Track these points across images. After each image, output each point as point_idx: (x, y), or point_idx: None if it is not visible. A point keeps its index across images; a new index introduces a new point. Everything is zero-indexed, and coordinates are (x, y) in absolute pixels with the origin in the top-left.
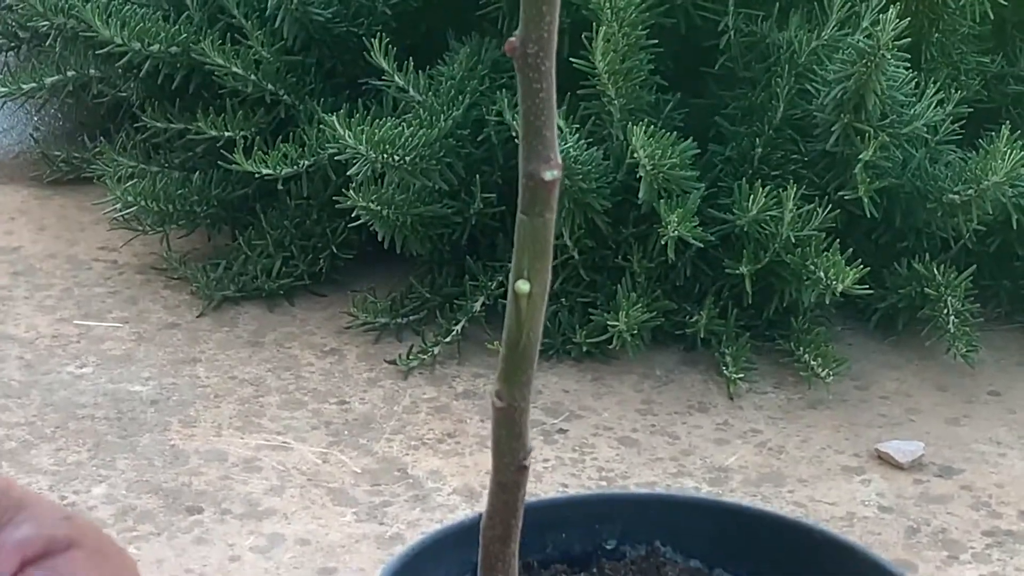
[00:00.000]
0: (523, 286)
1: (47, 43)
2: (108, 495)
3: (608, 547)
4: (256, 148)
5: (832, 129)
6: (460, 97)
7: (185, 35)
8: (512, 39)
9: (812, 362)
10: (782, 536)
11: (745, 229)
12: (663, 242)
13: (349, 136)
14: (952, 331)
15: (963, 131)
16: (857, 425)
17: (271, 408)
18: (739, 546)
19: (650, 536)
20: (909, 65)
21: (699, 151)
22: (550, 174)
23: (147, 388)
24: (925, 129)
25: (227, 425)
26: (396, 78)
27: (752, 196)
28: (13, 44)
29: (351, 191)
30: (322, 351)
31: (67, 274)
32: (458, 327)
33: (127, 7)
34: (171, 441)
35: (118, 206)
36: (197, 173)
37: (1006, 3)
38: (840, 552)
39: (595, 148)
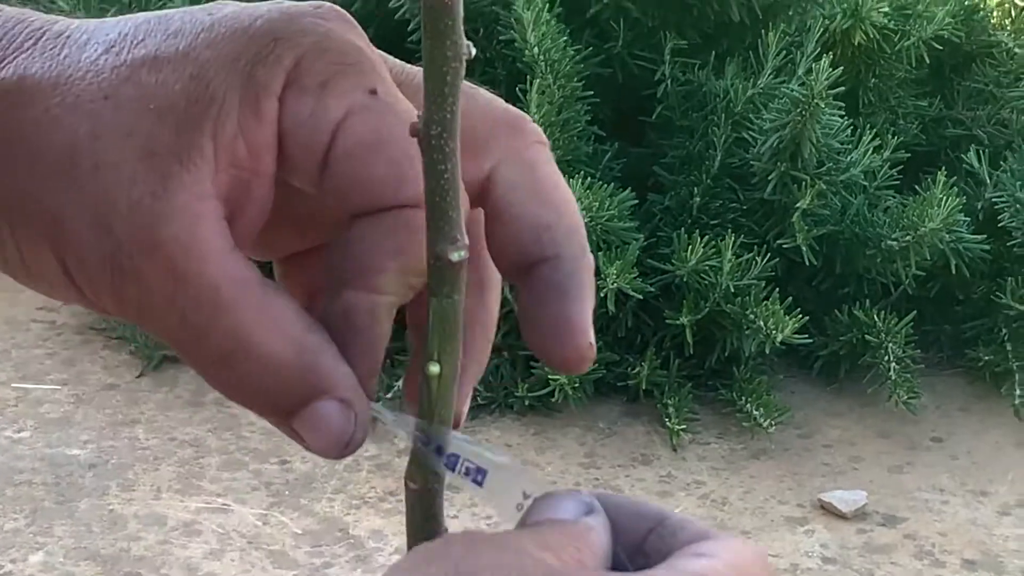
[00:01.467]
0: (433, 368)
1: None
2: (46, 563)
3: None
4: None
5: (769, 178)
6: None
7: None
8: (415, 120)
9: (754, 412)
10: None
11: (685, 279)
12: (603, 294)
13: None
14: (893, 378)
15: (901, 176)
16: (800, 475)
17: (211, 469)
18: None
19: None
20: (845, 112)
21: (638, 201)
22: (457, 255)
23: (86, 452)
24: (863, 176)
25: (166, 488)
26: None
27: (691, 246)
28: None
29: None
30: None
31: (5, 336)
32: (399, 383)
33: None
34: (110, 506)
35: None
36: None
37: (942, 47)
38: None
39: None
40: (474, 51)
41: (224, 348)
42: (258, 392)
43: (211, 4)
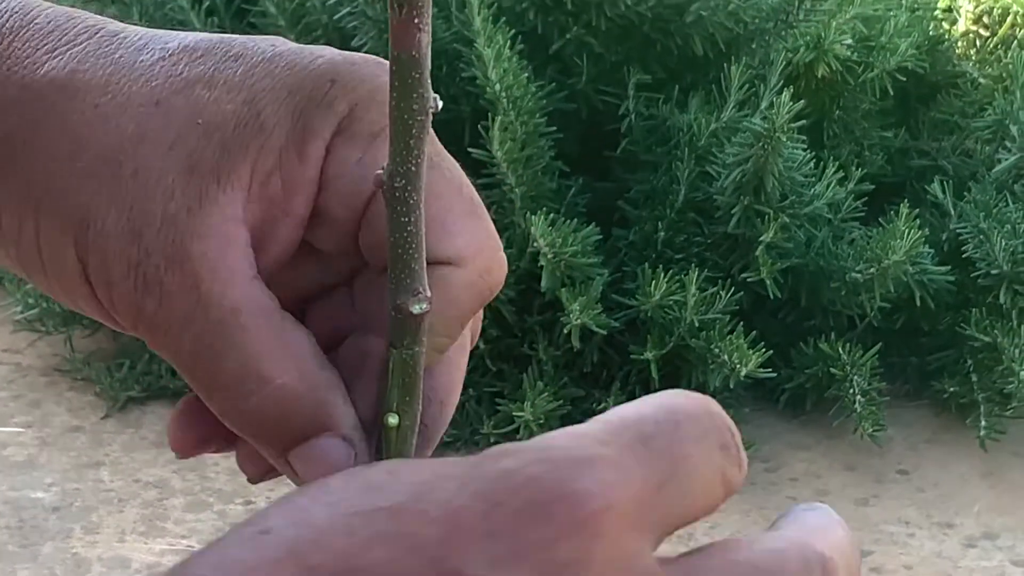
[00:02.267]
0: (392, 419)
1: None
2: None
3: None
4: None
5: (733, 211)
6: None
7: None
8: (379, 172)
9: None
10: None
11: (649, 314)
12: (567, 330)
13: None
14: (859, 410)
15: (867, 207)
16: (766, 509)
17: (176, 511)
18: None
19: None
20: (810, 144)
21: (602, 236)
22: (418, 307)
23: (50, 494)
24: (827, 208)
25: (131, 530)
26: None
27: (655, 281)
28: None
29: None
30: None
31: None
32: None
33: None
34: (73, 549)
35: (20, 308)
36: None
37: (907, 79)
38: None
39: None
40: (440, 104)
41: (236, 374)
42: (263, 422)
43: (273, 37)
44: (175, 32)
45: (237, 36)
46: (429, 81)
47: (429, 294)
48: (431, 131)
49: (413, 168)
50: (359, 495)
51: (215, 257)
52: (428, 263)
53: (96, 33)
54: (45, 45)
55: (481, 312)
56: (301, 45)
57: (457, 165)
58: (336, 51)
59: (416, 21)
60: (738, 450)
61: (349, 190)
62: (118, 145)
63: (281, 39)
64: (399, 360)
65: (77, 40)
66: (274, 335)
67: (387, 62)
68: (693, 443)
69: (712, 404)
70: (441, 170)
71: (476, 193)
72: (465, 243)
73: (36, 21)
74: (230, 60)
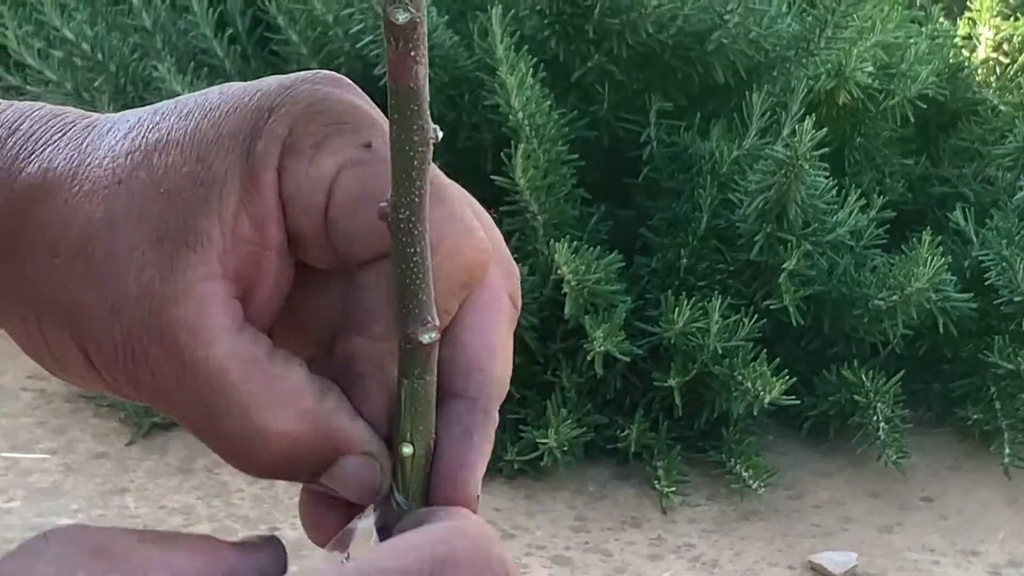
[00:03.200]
0: (407, 450)
1: None
2: None
3: None
4: None
5: (755, 239)
6: None
7: None
8: (383, 204)
9: (744, 473)
10: None
11: (672, 341)
12: (591, 357)
13: None
14: (883, 437)
15: (888, 235)
16: (790, 536)
17: None
18: None
19: None
20: (831, 172)
21: (625, 263)
22: (428, 337)
23: (75, 520)
24: (849, 235)
25: None
26: None
27: (678, 308)
28: None
29: None
30: (248, 478)
31: None
32: None
33: None
34: None
35: None
36: None
37: (926, 106)
38: None
39: (520, 264)
40: (440, 134)
41: (239, 432)
42: (280, 468)
43: (223, 85)
44: (140, 109)
45: (190, 95)
46: (428, 112)
47: (437, 322)
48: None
49: (416, 199)
50: None
51: (193, 320)
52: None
53: (70, 129)
54: (24, 150)
55: (517, 283)
56: (244, 84)
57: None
58: (274, 79)
59: (412, 54)
60: None
61: (306, 201)
62: (89, 232)
63: (228, 84)
64: (411, 390)
65: (51, 140)
66: (266, 384)
67: (326, 75)
68: None
69: (493, 546)
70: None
71: (443, 179)
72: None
73: (21, 128)
74: (181, 120)
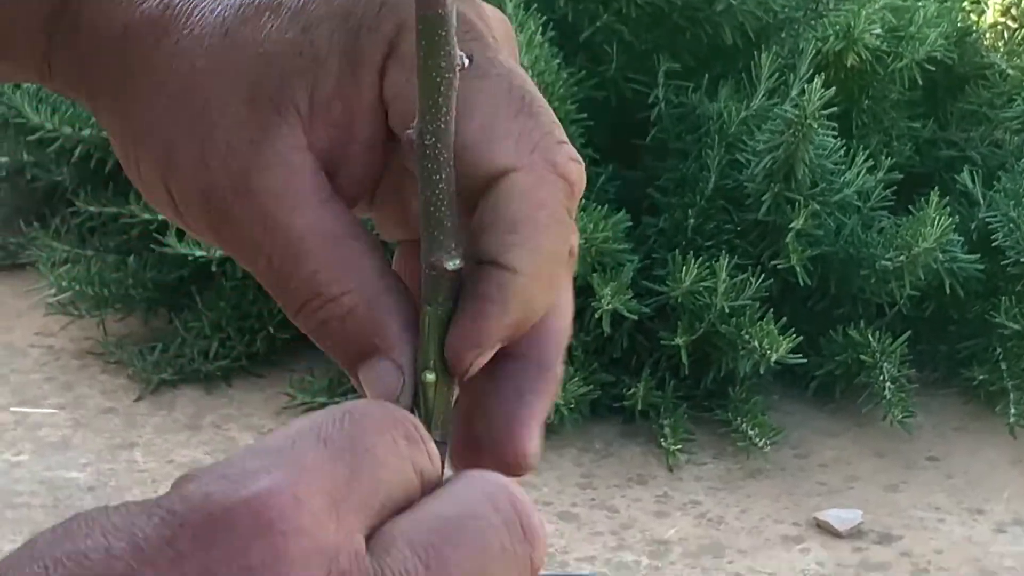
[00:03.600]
0: (429, 376)
1: None
2: None
3: None
4: None
5: (763, 199)
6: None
7: None
8: (409, 131)
9: (750, 432)
10: None
11: (680, 300)
12: (598, 315)
13: None
14: (889, 397)
15: (895, 197)
16: (796, 494)
17: None
18: None
19: None
20: (839, 134)
21: (632, 223)
22: (452, 263)
23: (84, 474)
24: (856, 196)
25: None
26: None
27: (685, 267)
28: None
29: None
30: (260, 432)
31: (3, 361)
32: None
33: (57, 93)
34: None
35: (53, 291)
36: (132, 256)
37: (935, 69)
38: None
39: None
40: (467, 61)
41: (303, 292)
42: (331, 340)
43: None
44: None
45: None
46: (455, 39)
47: (462, 250)
48: (487, 42)
49: (442, 125)
50: (56, 543)
51: (279, 187)
52: (484, 181)
53: None
54: None
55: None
56: None
57: (511, 62)
58: None
59: None
60: (424, 441)
61: (404, 110)
62: (191, 79)
63: None
64: (434, 317)
65: None
66: (339, 257)
67: None
68: (375, 435)
69: (390, 404)
70: (489, 77)
71: (532, 88)
72: (515, 145)
73: None
74: None
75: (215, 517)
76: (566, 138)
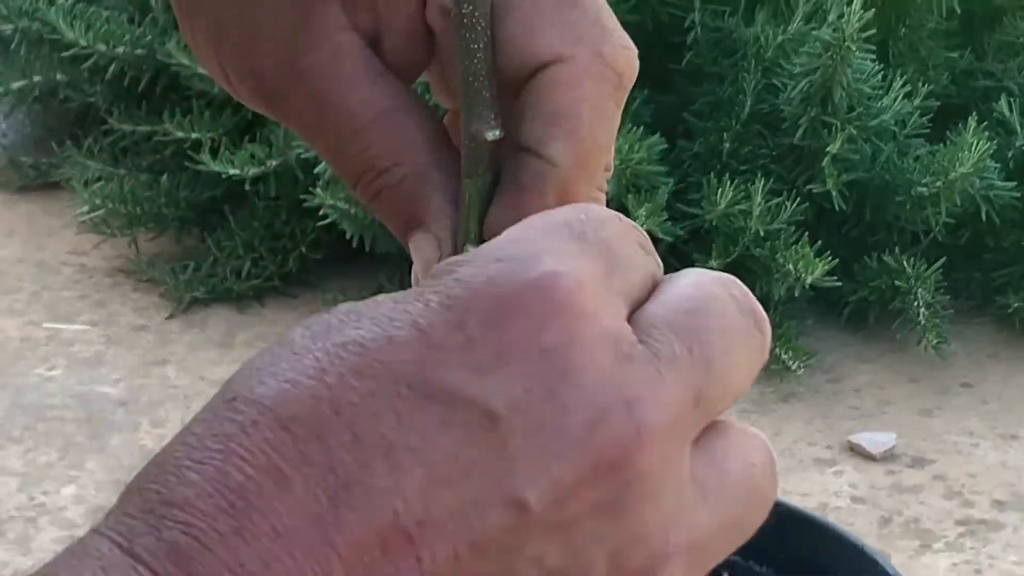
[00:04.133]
0: (471, 249)
1: (12, 48)
2: (77, 496)
3: None
4: (224, 149)
5: (799, 123)
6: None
7: (150, 37)
8: (447, 1)
9: (783, 355)
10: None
11: (714, 223)
12: None
13: None
14: (923, 323)
15: (931, 125)
16: (829, 418)
17: None
18: None
19: None
20: (876, 58)
21: (667, 147)
22: (492, 134)
23: (116, 390)
24: (893, 122)
25: None
26: None
27: (721, 190)
28: None
29: (319, 190)
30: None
31: (36, 278)
32: None
33: (92, 10)
34: (141, 441)
35: (86, 209)
36: (165, 175)
37: None
38: (803, 525)
39: None
40: None
41: (358, 169)
42: (384, 210)
43: None
44: None
45: None
46: None
47: (501, 120)
48: None
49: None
50: (321, 338)
51: (328, 67)
52: (527, 72)
53: None
54: None
55: (630, 61)
56: None
57: None
58: None
59: None
60: (650, 245)
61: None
62: None
63: None
64: (474, 189)
65: None
66: (390, 132)
67: None
68: (617, 238)
69: (622, 216)
70: None
71: None
72: (559, 36)
73: None
74: None
75: (504, 300)
76: (616, 24)
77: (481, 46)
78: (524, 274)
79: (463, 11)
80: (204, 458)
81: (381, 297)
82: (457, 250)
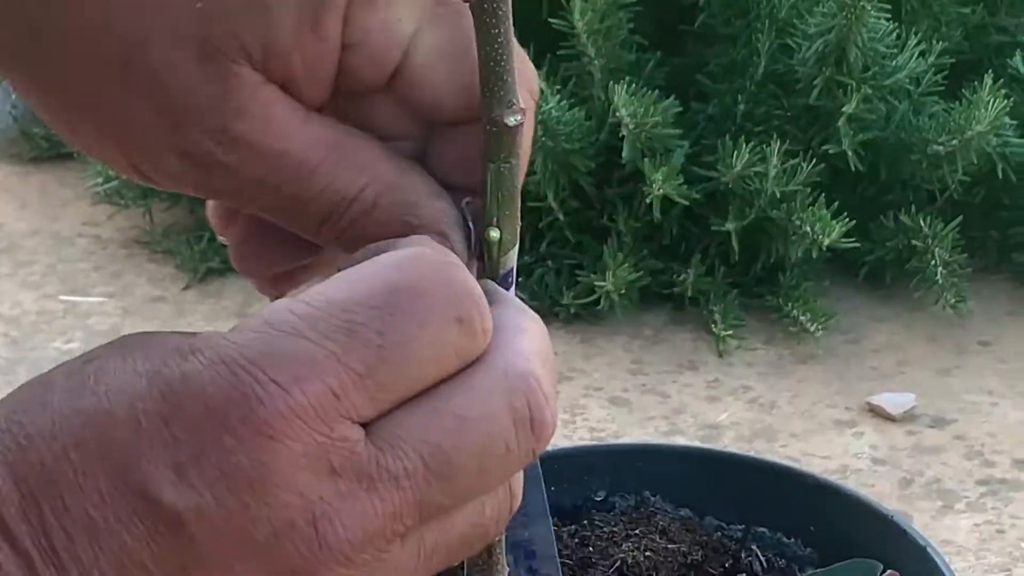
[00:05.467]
0: (493, 233)
1: None
2: None
3: (598, 498)
4: None
5: (814, 83)
6: None
7: None
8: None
9: (801, 317)
10: (771, 482)
11: (730, 186)
12: (648, 201)
13: None
14: (940, 282)
15: (945, 82)
16: (848, 379)
17: None
18: (729, 493)
19: (639, 486)
20: (890, 16)
21: (682, 109)
22: (513, 119)
23: None
24: (908, 81)
25: None
26: None
27: (736, 152)
28: None
29: None
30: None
31: (51, 250)
32: None
33: None
34: None
35: (99, 180)
36: None
37: None
38: (831, 496)
39: (577, 109)
40: None
41: (325, 208)
42: (368, 237)
43: None
44: None
45: None
46: None
47: (523, 105)
48: None
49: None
50: (69, 395)
51: (261, 125)
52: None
53: None
54: None
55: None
56: None
57: None
58: None
59: None
60: (482, 319)
61: (377, 54)
62: (128, 45)
63: None
64: (496, 174)
65: None
66: (344, 159)
67: None
68: (416, 326)
69: (453, 271)
70: None
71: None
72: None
73: None
74: None
75: (212, 410)
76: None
77: (502, 30)
78: (232, 390)
79: None
80: None
81: (140, 349)
82: (480, 237)
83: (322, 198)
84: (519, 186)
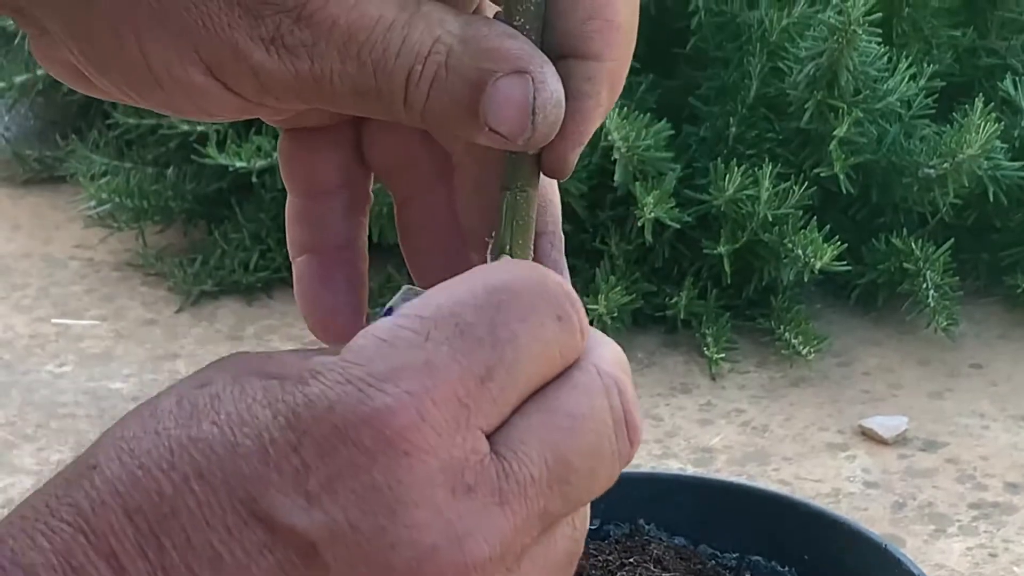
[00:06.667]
0: (505, 260)
1: (15, 42)
2: None
3: (592, 527)
4: (229, 141)
5: (806, 106)
6: None
7: None
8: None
9: (793, 340)
10: (766, 511)
11: (722, 209)
12: (640, 224)
13: None
14: (932, 305)
15: (936, 105)
16: (840, 402)
17: None
18: (723, 522)
19: (633, 514)
20: (881, 40)
21: (673, 132)
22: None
23: (127, 385)
24: (899, 104)
25: None
26: None
27: (728, 175)
28: None
29: None
30: (302, 343)
31: (43, 273)
32: None
33: None
34: None
35: (92, 203)
36: (171, 168)
37: None
38: (825, 525)
39: None
40: None
41: (404, 72)
42: (438, 100)
43: None
44: None
45: None
46: None
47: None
48: None
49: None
50: (182, 424)
51: None
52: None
53: None
54: None
55: None
56: None
57: None
58: None
59: None
60: (579, 317)
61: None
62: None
63: None
64: (512, 201)
65: None
66: (417, 16)
67: None
68: (519, 322)
69: (548, 275)
70: None
71: None
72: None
73: None
74: None
75: (340, 430)
76: None
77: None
78: (362, 406)
79: (514, 23)
80: (55, 527)
81: (250, 378)
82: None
83: (401, 57)
84: (534, 216)
